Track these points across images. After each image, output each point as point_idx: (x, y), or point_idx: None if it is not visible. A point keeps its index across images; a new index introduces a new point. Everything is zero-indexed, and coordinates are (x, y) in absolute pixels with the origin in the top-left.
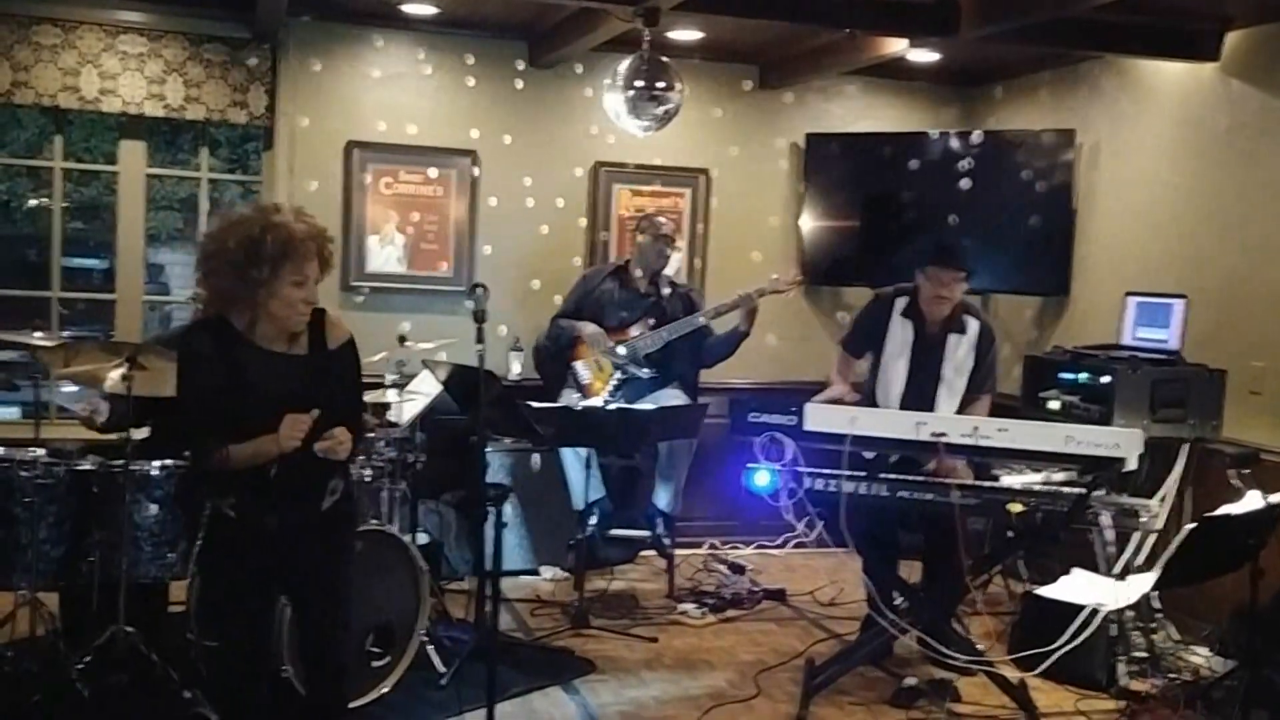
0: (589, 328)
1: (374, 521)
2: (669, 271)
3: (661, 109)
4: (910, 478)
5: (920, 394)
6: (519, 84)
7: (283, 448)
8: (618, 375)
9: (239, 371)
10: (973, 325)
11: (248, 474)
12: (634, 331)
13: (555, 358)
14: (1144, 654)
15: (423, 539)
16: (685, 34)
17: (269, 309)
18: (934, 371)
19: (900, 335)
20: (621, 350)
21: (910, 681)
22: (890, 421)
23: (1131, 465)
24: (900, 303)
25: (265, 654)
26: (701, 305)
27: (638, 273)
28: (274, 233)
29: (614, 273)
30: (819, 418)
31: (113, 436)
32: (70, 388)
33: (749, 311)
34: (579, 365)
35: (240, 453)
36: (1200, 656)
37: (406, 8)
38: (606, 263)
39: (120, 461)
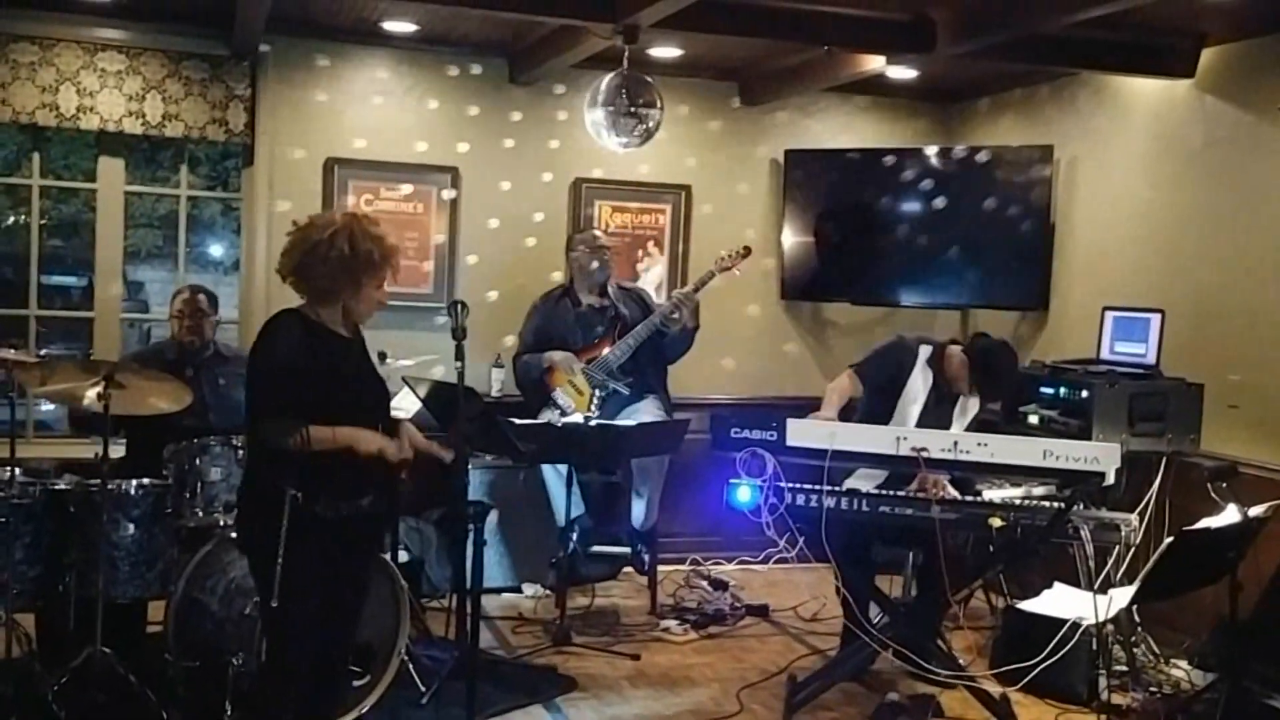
0: (557, 355)
1: None
2: (649, 285)
3: (642, 126)
4: (891, 493)
5: None
6: (499, 101)
7: (391, 456)
8: (598, 393)
9: (324, 352)
10: None
11: (345, 466)
12: (602, 347)
13: (531, 396)
14: (1125, 668)
15: (403, 556)
16: (665, 51)
17: (355, 306)
18: (945, 419)
19: (921, 381)
20: (594, 367)
21: (892, 697)
22: (870, 437)
23: (1110, 479)
24: (924, 351)
25: (348, 642)
26: (654, 302)
27: (584, 289)
28: (377, 244)
29: (562, 296)
30: (800, 433)
31: (88, 455)
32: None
33: (693, 309)
34: (558, 393)
35: (320, 435)
36: (1180, 670)
37: (386, 25)
38: (550, 290)
39: (97, 481)
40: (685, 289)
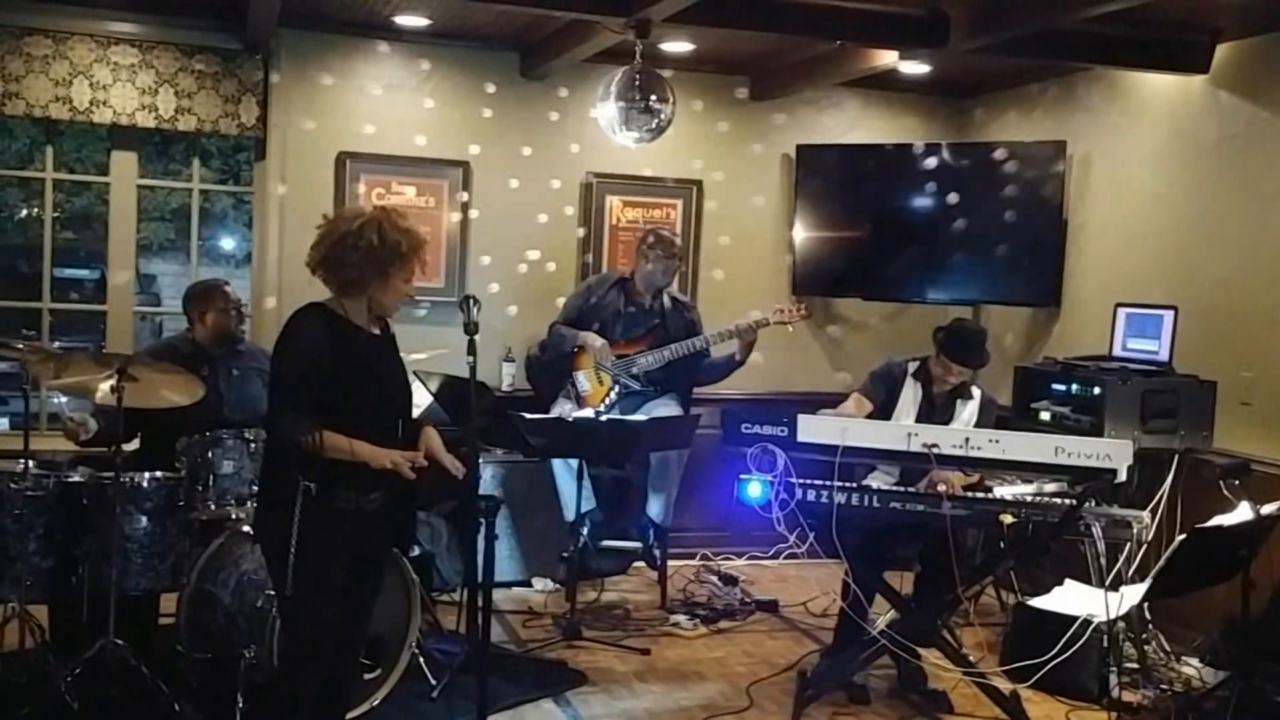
0: (595, 340)
1: None
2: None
3: (654, 121)
4: (902, 489)
5: None
6: (511, 95)
7: (405, 474)
8: (616, 389)
9: (346, 348)
10: (977, 393)
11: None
12: (636, 347)
13: (552, 365)
14: (1136, 665)
15: (414, 550)
16: (677, 46)
17: (381, 298)
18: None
19: (911, 395)
20: (624, 366)
21: (902, 692)
22: (881, 432)
23: (1122, 476)
24: (912, 366)
25: (362, 635)
26: (700, 326)
27: (642, 287)
28: (406, 236)
29: (618, 284)
30: (811, 429)
31: (101, 449)
32: (61, 398)
33: (747, 343)
34: (579, 375)
35: (335, 443)
36: (1191, 667)
37: (399, 19)
38: (609, 272)
39: (110, 473)
40: (745, 323)
